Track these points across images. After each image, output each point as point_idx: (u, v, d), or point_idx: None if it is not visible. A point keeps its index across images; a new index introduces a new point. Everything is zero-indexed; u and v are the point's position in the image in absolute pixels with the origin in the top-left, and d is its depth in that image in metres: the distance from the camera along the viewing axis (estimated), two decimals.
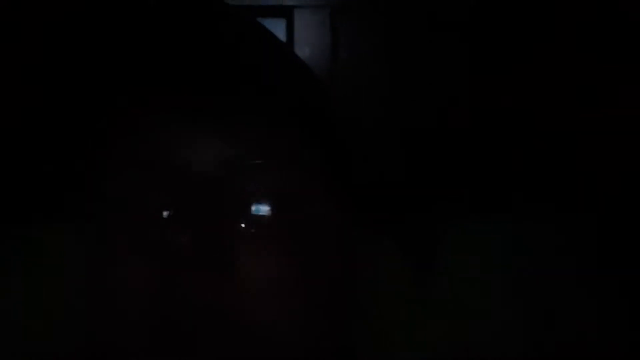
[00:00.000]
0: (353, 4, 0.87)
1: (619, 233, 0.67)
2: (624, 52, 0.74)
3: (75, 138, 0.57)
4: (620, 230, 0.67)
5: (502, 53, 0.76)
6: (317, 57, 0.91)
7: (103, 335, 0.51)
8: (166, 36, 0.53)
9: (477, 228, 0.65)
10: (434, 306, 0.62)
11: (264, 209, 0.50)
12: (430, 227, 0.64)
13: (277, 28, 0.92)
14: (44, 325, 0.64)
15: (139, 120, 0.53)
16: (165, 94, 0.52)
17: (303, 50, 0.91)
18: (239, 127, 0.52)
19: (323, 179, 0.53)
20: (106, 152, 0.54)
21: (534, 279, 0.63)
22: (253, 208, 0.50)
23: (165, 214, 0.50)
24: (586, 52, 0.76)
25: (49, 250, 0.66)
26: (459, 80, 0.75)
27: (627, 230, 0.67)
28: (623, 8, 0.74)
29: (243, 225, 0.50)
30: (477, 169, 0.71)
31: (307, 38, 0.92)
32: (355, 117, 0.74)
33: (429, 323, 0.62)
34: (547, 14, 0.77)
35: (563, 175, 0.71)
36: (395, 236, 0.59)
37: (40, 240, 0.67)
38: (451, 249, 0.64)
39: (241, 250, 0.49)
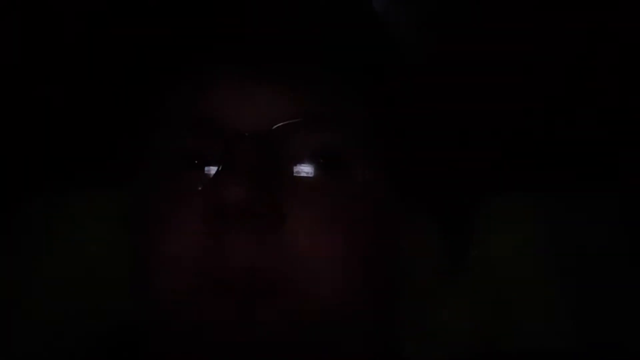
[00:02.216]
0: None
1: None
2: None
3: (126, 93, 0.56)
4: None
5: None
6: None
7: (152, 293, 0.51)
8: None
9: (515, 203, 0.65)
10: (471, 285, 0.62)
11: (310, 168, 0.51)
12: (466, 203, 0.63)
13: None
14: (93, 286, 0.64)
15: (193, 73, 0.52)
16: (219, 47, 0.52)
17: None
18: (294, 85, 0.51)
19: (371, 143, 0.53)
20: (158, 106, 0.54)
21: (575, 255, 0.63)
22: (300, 166, 0.51)
23: (216, 168, 0.50)
24: None
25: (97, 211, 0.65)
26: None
27: None
28: None
29: (292, 181, 0.51)
30: (515, 142, 0.69)
31: None
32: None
33: (465, 302, 0.62)
34: None
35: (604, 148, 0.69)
36: (432, 211, 0.59)
37: (86, 203, 0.66)
38: (488, 225, 0.63)
39: (290, 206, 0.50)
